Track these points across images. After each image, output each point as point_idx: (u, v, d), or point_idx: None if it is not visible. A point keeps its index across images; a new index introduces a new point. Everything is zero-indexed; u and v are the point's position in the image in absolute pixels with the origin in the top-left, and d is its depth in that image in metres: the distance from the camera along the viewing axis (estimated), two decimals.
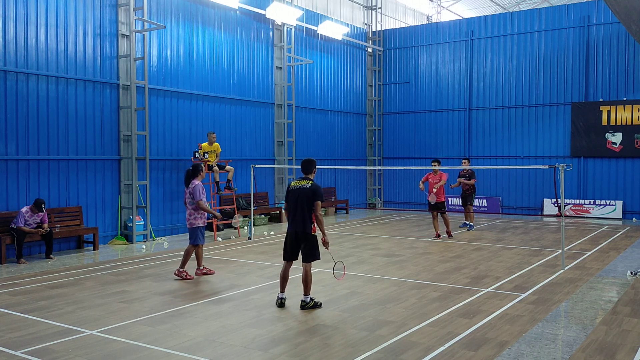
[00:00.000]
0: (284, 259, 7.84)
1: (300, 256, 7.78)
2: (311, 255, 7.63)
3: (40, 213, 11.45)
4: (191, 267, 10.15)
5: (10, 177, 11.86)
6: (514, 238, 14.47)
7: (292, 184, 7.78)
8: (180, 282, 9.38)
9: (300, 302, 7.67)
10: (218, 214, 10.74)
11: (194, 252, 9.79)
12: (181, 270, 9.58)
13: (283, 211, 8.03)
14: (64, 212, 12.72)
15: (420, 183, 14.42)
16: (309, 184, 7.65)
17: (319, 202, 7.59)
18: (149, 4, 14.45)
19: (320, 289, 8.66)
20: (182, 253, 12.25)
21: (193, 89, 15.78)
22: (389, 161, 23.52)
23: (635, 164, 18.87)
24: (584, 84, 19.59)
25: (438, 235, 14.42)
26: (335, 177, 21.77)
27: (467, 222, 16.35)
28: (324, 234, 7.58)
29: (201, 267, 9.89)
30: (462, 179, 16.05)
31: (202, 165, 9.94)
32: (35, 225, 11.48)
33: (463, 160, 16.50)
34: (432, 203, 14.31)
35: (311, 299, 7.64)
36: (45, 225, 11.58)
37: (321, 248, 7.77)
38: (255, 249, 12.87)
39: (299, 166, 8.09)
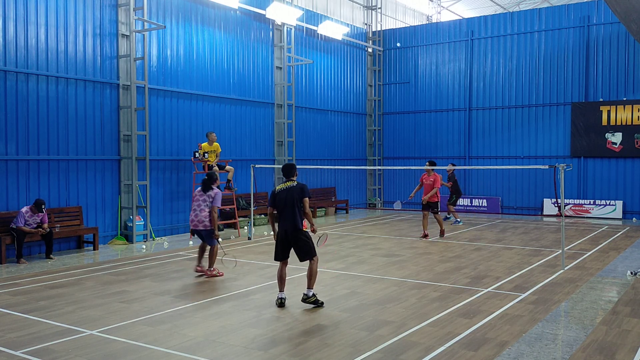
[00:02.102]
0: (276, 259, 7.94)
1: (290, 257, 7.91)
2: (309, 252, 7.75)
3: (40, 214, 11.45)
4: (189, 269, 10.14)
5: (10, 177, 11.86)
6: (514, 238, 14.47)
7: (277, 188, 7.88)
8: (180, 281, 9.38)
9: (302, 295, 7.76)
10: (217, 232, 10.01)
11: (206, 250, 9.98)
12: (211, 269, 9.72)
13: (268, 216, 8.04)
14: (64, 212, 12.72)
15: (412, 194, 15.00)
16: (295, 184, 7.85)
17: (308, 199, 7.78)
18: (149, 4, 14.45)
19: (320, 289, 8.65)
20: (182, 253, 12.29)
21: (193, 89, 15.78)
22: (389, 161, 23.52)
23: (635, 164, 18.87)
24: (584, 84, 19.59)
25: (425, 235, 14.46)
26: (335, 177, 21.77)
27: (450, 217, 17.74)
28: (312, 224, 7.84)
29: (212, 268, 9.87)
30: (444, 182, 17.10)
31: (216, 173, 10.18)
32: (35, 225, 11.48)
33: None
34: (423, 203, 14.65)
35: (313, 294, 7.71)
36: (45, 225, 11.58)
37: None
38: (255, 249, 12.87)
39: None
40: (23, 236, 11.26)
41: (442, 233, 14.53)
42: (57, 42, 12.60)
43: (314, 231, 7.91)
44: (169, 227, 15.14)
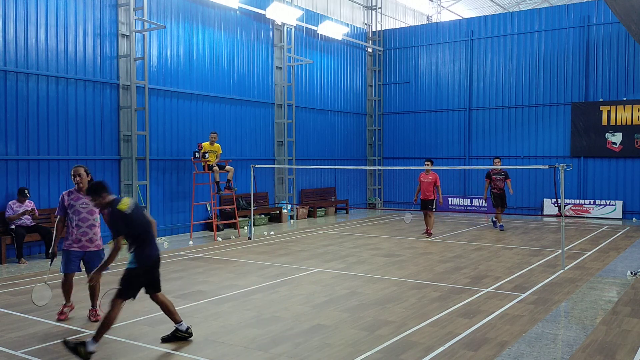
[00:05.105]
0: (133, 296, 6.01)
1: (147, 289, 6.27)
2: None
3: (28, 203, 11.48)
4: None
5: (10, 177, 11.85)
6: (514, 238, 14.47)
7: (130, 204, 6.15)
8: (180, 281, 9.37)
9: (172, 333, 6.24)
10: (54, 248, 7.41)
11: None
12: (66, 305, 7.39)
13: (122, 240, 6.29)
14: None
15: (415, 197, 14.97)
16: None
17: None
18: (149, 4, 14.45)
19: (320, 289, 8.67)
20: (182, 253, 12.27)
21: (193, 89, 15.78)
22: (389, 161, 23.51)
23: (635, 164, 18.87)
24: (584, 84, 19.59)
25: (429, 233, 14.78)
26: (335, 177, 21.76)
27: (499, 223, 16.07)
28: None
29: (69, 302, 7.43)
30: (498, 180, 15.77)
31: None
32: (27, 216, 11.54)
33: (495, 160, 15.69)
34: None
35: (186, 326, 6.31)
36: (36, 212, 11.64)
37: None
38: (255, 249, 12.86)
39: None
40: (23, 236, 11.27)
41: (428, 233, 14.73)
42: (57, 42, 12.59)
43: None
44: (169, 227, 15.14)
